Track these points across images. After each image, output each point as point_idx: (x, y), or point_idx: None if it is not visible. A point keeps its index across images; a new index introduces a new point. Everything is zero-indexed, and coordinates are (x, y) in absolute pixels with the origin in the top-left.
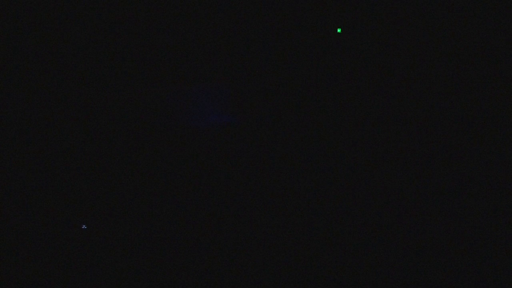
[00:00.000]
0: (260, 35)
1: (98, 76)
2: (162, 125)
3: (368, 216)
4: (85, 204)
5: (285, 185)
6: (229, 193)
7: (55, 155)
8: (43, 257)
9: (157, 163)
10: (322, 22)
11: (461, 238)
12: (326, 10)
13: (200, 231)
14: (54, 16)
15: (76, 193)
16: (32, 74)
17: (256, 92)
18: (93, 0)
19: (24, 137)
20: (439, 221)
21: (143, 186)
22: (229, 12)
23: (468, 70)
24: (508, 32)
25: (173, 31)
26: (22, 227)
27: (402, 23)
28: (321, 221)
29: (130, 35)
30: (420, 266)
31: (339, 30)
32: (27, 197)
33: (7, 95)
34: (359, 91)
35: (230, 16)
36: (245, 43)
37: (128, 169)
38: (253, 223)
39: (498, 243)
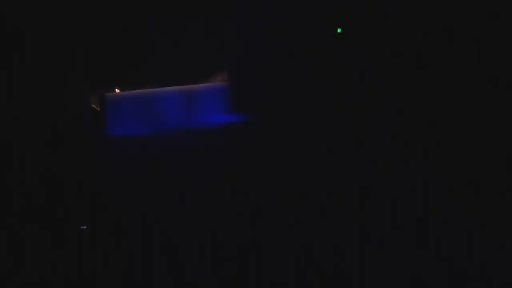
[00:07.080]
0: (259, 35)
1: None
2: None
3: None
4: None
5: (286, 185)
6: (229, 193)
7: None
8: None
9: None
10: (322, 22)
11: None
12: (326, 10)
13: (201, 232)
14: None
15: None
16: None
17: (255, 92)
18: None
19: None
20: (439, 221)
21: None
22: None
23: (468, 71)
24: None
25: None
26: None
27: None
28: (322, 220)
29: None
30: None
31: (339, 30)
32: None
33: None
34: (359, 90)
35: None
36: (245, 43)
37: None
38: (254, 223)
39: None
